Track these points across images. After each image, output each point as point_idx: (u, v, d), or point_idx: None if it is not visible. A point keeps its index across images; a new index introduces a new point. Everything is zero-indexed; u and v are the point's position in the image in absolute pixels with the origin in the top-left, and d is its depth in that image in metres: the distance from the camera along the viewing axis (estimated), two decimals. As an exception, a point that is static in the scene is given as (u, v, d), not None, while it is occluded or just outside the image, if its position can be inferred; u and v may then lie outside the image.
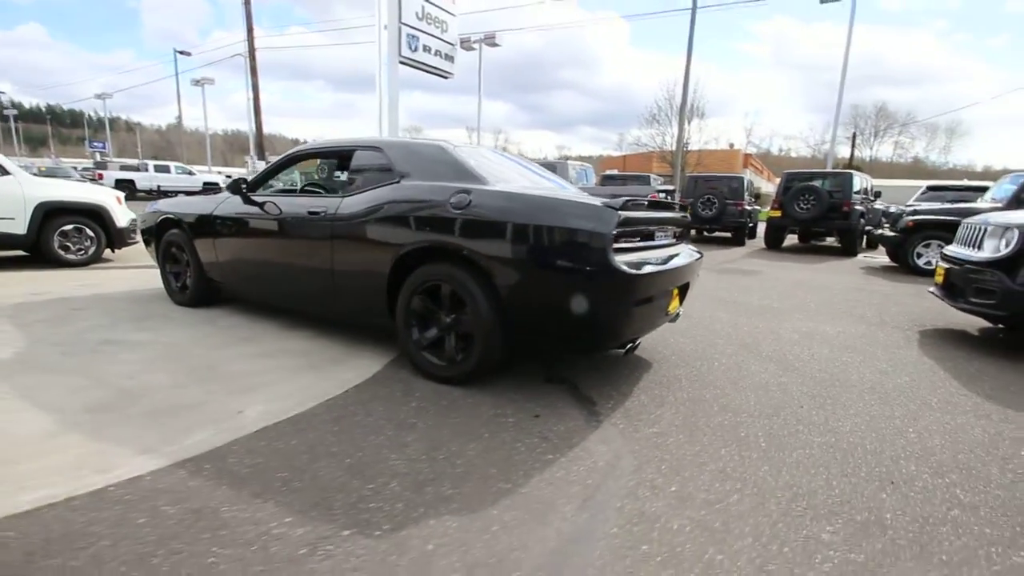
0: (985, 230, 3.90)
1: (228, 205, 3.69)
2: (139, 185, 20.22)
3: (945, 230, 7.82)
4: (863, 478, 2.01)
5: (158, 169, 19.42)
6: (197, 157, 42.31)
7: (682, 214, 3.24)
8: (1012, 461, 2.16)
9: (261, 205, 3.46)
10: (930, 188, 10.86)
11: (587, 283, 2.29)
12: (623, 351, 2.52)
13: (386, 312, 2.96)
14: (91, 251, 5.99)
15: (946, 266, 4.20)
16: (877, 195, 11.59)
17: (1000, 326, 4.37)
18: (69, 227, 5.83)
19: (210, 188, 19.87)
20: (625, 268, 2.26)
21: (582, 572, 1.43)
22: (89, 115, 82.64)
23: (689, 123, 29.98)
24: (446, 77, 18.11)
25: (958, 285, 3.99)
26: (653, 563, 1.48)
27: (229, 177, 27.62)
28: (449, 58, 17.77)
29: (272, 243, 3.45)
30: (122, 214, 6.23)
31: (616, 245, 2.31)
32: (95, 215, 5.98)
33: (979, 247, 3.93)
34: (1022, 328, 4.19)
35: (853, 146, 29.90)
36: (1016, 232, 3.60)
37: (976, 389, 3.01)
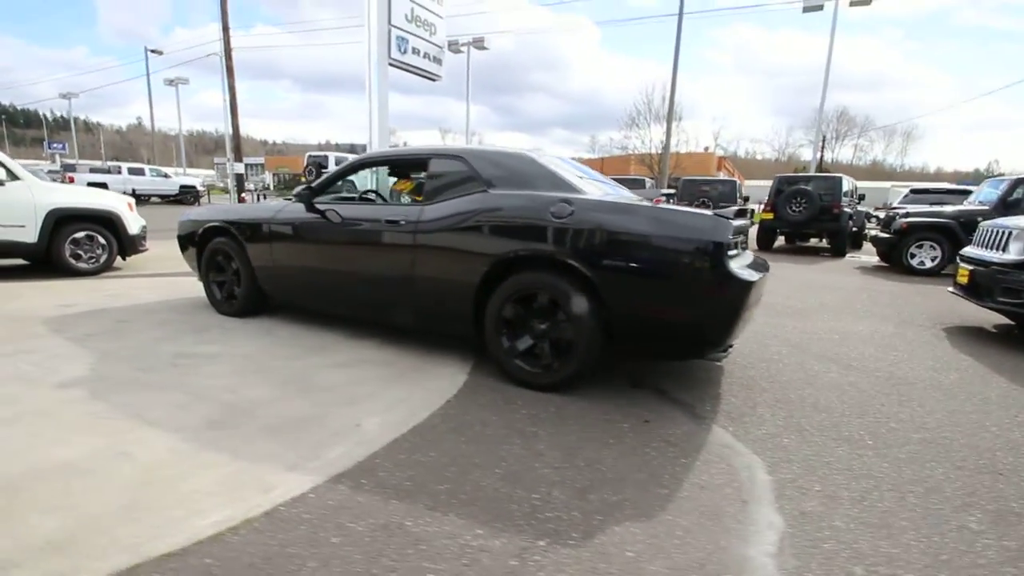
0: (1011, 233, 4.16)
1: (289, 213, 3.62)
2: (112, 188, 19.37)
3: (936, 232, 8.27)
4: (973, 470, 2.13)
5: (132, 172, 18.62)
6: (161, 158, 40.84)
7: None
8: (1099, 450, 2.33)
9: (326, 213, 3.41)
10: (913, 191, 11.43)
11: (706, 290, 2.36)
12: (724, 356, 2.60)
13: (471, 320, 2.96)
14: (103, 259, 5.76)
15: (970, 268, 4.45)
16: (861, 198, 12.11)
17: (1016, 323, 4.67)
18: (81, 235, 5.58)
19: (188, 191, 19.25)
20: (743, 275, 2.34)
21: (787, 573, 1.49)
22: (44, 115, 78.80)
23: (667, 127, 30.54)
24: (434, 79, 18.06)
25: (984, 285, 4.24)
26: (841, 559, 1.55)
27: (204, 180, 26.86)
28: (437, 60, 17.74)
29: (343, 252, 3.40)
30: (133, 221, 6.01)
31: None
32: (107, 222, 5.75)
33: (1004, 249, 4.19)
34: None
35: (822, 149, 31.18)
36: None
37: (1022, 383, 3.22)
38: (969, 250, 4.74)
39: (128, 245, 5.94)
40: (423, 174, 4.46)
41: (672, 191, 15.00)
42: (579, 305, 2.59)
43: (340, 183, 3.81)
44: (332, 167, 16.96)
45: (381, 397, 2.61)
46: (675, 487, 1.91)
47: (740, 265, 2.53)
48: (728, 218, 2.38)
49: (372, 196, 4.19)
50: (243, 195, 21.81)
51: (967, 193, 10.50)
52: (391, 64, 15.50)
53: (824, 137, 42.64)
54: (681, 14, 15.85)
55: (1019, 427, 2.57)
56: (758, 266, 2.81)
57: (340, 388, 2.70)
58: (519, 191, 2.84)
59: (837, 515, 1.78)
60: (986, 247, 4.47)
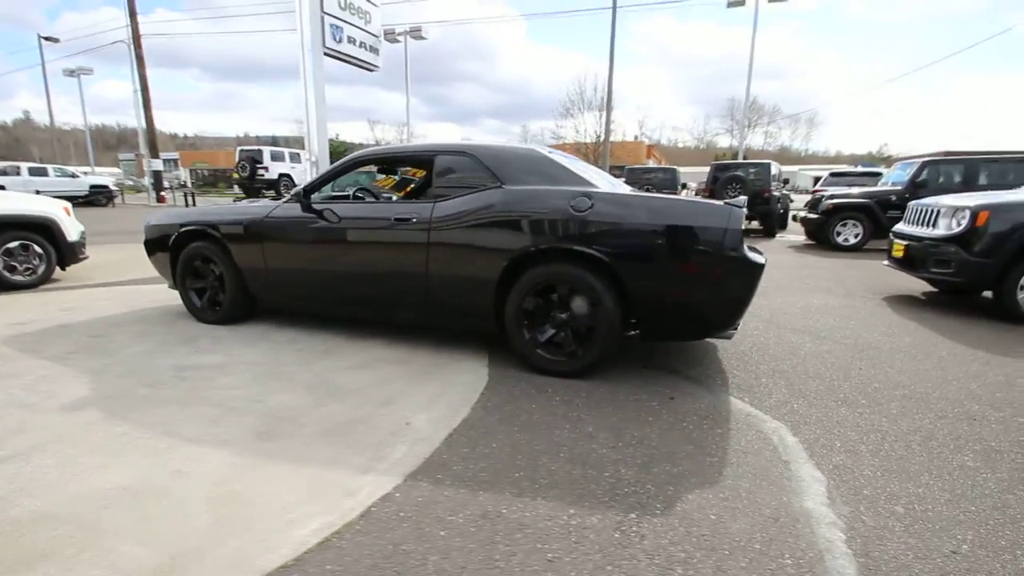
0: (938, 211, 4.74)
1: (283, 213, 3.48)
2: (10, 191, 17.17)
3: (858, 211, 9.17)
4: (952, 418, 2.48)
5: (32, 172, 16.61)
6: (55, 156, 36.79)
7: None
8: (1040, 393, 2.77)
9: (324, 213, 3.32)
10: (832, 174, 12.54)
11: (725, 274, 2.57)
12: (734, 333, 2.82)
13: (490, 314, 3.02)
14: (41, 271, 5.22)
15: (904, 243, 5.02)
16: (785, 182, 13.12)
17: (938, 290, 5.34)
18: (14, 244, 5.03)
19: (99, 192, 17.53)
20: (756, 258, 2.56)
21: (870, 524, 1.71)
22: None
23: (600, 117, 31.38)
24: (371, 70, 17.58)
25: (918, 258, 4.81)
26: (881, 502, 1.79)
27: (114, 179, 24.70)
28: (374, 50, 17.25)
29: (348, 252, 3.32)
30: (72, 227, 5.48)
31: None
32: (43, 229, 5.21)
33: (934, 225, 4.77)
34: (968, 292, 5.16)
35: (743, 137, 33.39)
36: (968, 212, 4.43)
37: (964, 341, 3.72)
38: (901, 227, 5.34)
39: (68, 254, 5.42)
40: (407, 170, 4.45)
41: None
42: (601, 294, 2.72)
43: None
44: (267, 161, 16.08)
45: (415, 395, 2.63)
46: (722, 455, 2.10)
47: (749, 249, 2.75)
48: (739, 206, 2.59)
49: (361, 195, 4.09)
50: (163, 194, 20.24)
51: (879, 175, 11.69)
52: (327, 53, 14.91)
53: (746, 124, 45.44)
54: (615, 7, 16.33)
55: (974, 379, 2.99)
56: (756, 250, 3.06)
57: (369, 389, 2.68)
58: (535, 186, 2.91)
59: (863, 466, 2.04)
60: (917, 224, 5.06)
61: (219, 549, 1.48)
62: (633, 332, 2.85)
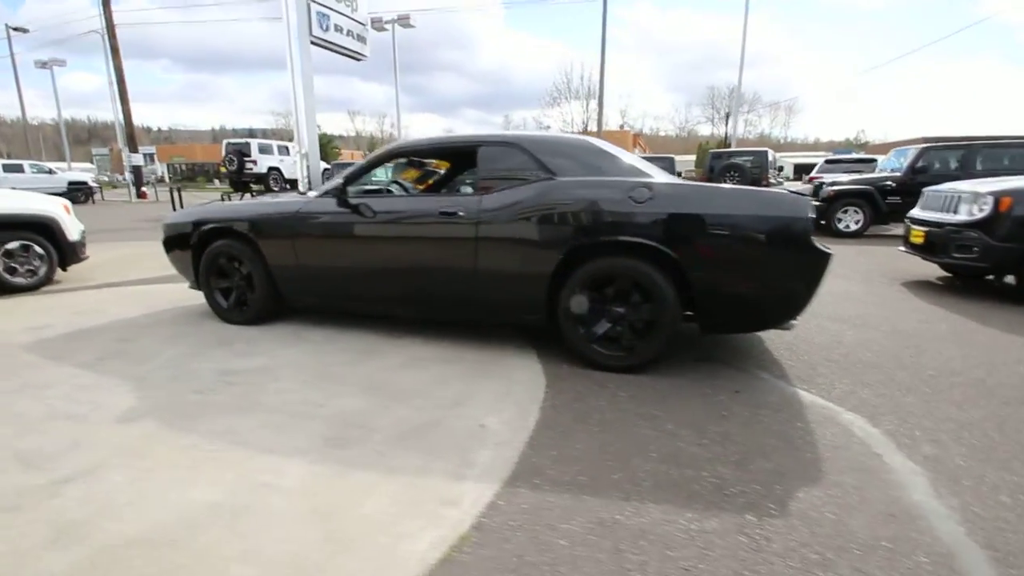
0: (959, 197, 4.77)
1: (317, 208, 3.35)
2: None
3: (860, 198, 9.27)
4: (1017, 404, 2.49)
5: (7, 168, 15.86)
6: (22, 152, 35.49)
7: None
8: (1094, 377, 2.80)
9: (360, 207, 3.19)
10: (827, 161, 12.67)
11: (796, 264, 2.53)
12: (795, 324, 2.79)
13: (541, 309, 2.95)
14: (42, 272, 4.98)
15: (923, 229, 5.06)
16: (780, 169, 13.24)
17: (952, 275, 5.42)
18: (14, 245, 4.79)
19: (78, 188, 16.90)
20: (825, 248, 2.53)
21: (981, 513, 1.68)
22: None
23: (586, 106, 31.29)
24: (359, 59, 17.01)
25: (939, 244, 4.85)
26: (983, 491, 1.77)
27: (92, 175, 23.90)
28: (361, 39, 16.76)
29: (389, 247, 3.21)
30: (72, 226, 5.24)
31: None
32: (44, 229, 4.97)
33: (955, 211, 4.81)
34: (983, 276, 5.23)
35: (727, 125, 33.79)
36: (990, 198, 4.46)
37: (996, 326, 3.76)
38: (917, 212, 5.38)
39: (69, 254, 5.18)
40: (431, 162, 4.32)
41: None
42: (663, 287, 2.66)
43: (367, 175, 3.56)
44: (255, 154, 15.65)
45: (478, 395, 2.54)
46: (813, 450, 2.06)
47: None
48: (805, 195, 2.55)
49: (391, 189, 3.96)
50: (143, 190, 19.65)
51: (873, 161, 11.84)
52: (313, 42, 14.45)
53: (727, 113, 45.78)
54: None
55: (1021, 363, 3.02)
56: None
57: (428, 390, 2.59)
58: (589, 178, 2.83)
59: (952, 455, 2.02)
60: (935, 210, 5.10)
61: (334, 567, 1.39)
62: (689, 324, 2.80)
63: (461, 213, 2.98)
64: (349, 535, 1.52)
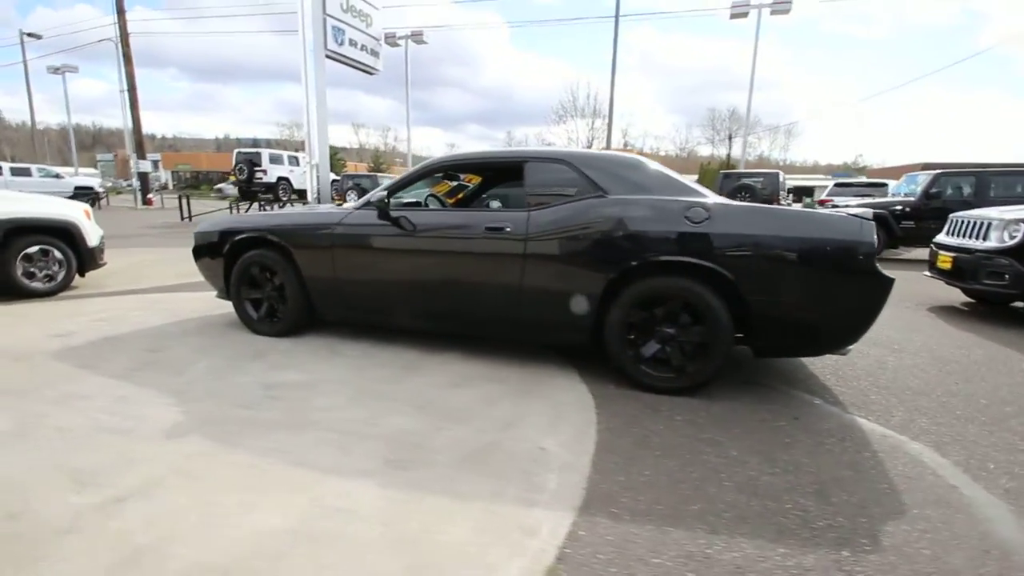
0: (989, 224, 4.77)
1: (358, 220, 3.30)
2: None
3: (874, 221, 9.28)
4: (1079, 437, 2.43)
5: (15, 172, 15.78)
6: (26, 156, 35.46)
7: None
8: None
9: (399, 220, 3.15)
10: (837, 184, 12.74)
11: (858, 290, 2.49)
12: (850, 350, 2.74)
13: (586, 329, 2.89)
14: (60, 277, 4.91)
15: (951, 255, 5.05)
16: (791, 191, 13.31)
17: (975, 301, 5.40)
18: (34, 249, 4.72)
19: (84, 193, 16.83)
20: (887, 274, 2.49)
21: (1061, 549, 1.62)
22: None
23: (592, 124, 31.62)
24: (372, 73, 17.28)
25: (968, 270, 4.83)
26: (1083, 532, 1.71)
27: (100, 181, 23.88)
28: (375, 53, 16.98)
29: (433, 263, 3.15)
30: (92, 231, 5.18)
31: None
32: (64, 234, 4.90)
33: (984, 238, 4.80)
34: (1008, 303, 5.21)
35: (729, 146, 34.30)
36: (1022, 225, 4.46)
37: (1039, 355, 3.72)
38: (944, 239, 5.38)
39: (88, 259, 5.11)
40: (464, 178, 4.29)
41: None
42: (717, 309, 2.61)
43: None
44: (266, 164, 15.65)
45: (530, 416, 2.48)
46: (887, 481, 2.00)
47: None
48: (867, 219, 2.52)
49: (429, 202, 3.92)
50: (150, 196, 19.63)
51: (884, 185, 11.91)
52: (328, 56, 14.61)
53: (730, 135, 46.31)
54: (617, 17, 16.43)
55: (1072, 393, 2.97)
56: None
57: (479, 410, 2.52)
58: (642, 196, 2.80)
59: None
60: (964, 236, 5.09)
61: (427, 603, 1.32)
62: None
63: (509, 229, 2.94)
64: (437, 566, 1.45)
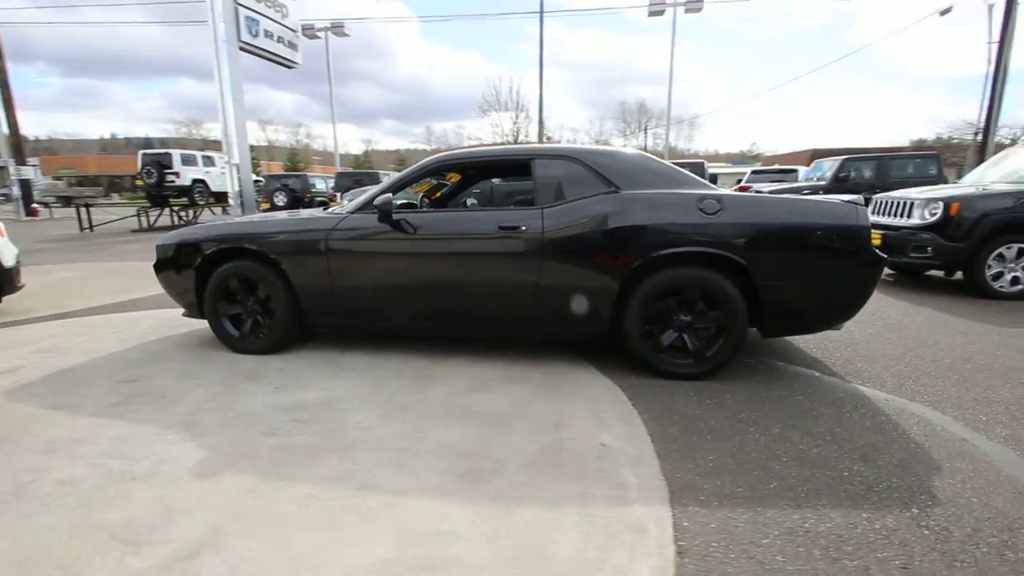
0: (912, 203, 5.37)
1: (356, 224, 3.11)
2: None
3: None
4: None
5: None
6: None
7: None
8: (1075, 356, 3.24)
9: (401, 223, 3.01)
10: (754, 172, 13.75)
11: (857, 269, 2.70)
12: (842, 325, 2.98)
13: (605, 321, 2.94)
14: (-30, 305, 4.21)
15: (880, 232, 5.64)
16: (714, 179, 14.20)
17: (895, 272, 6.09)
18: (-64, 274, 4.01)
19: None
20: (880, 253, 2.73)
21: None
22: None
23: (516, 117, 31.83)
24: (290, 67, 16.36)
25: (896, 245, 5.42)
26: (1079, 467, 1.99)
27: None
28: (292, 46, 16.09)
29: (444, 265, 3.04)
30: (7, 250, 4.50)
31: None
32: (-28, 254, 4.21)
33: (908, 216, 5.40)
34: (921, 272, 5.89)
35: (646, 138, 36.29)
36: (940, 204, 5.07)
37: (963, 315, 4.26)
38: (872, 217, 5.98)
39: (5, 283, 4.43)
40: (444, 177, 4.18)
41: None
42: (733, 296, 2.75)
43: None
44: (178, 166, 14.26)
45: (572, 414, 2.47)
46: (912, 440, 2.20)
47: None
48: (860, 204, 2.75)
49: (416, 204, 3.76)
50: (34, 206, 17.33)
51: (794, 172, 13.04)
52: (243, 48, 13.64)
53: (644, 127, 48.49)
54: (542, 14, 16.63)
55: (1010, 348, 3.42)
56: None
57: (519, 413, 2.48)
58: (655, 190, 2.87)
59: (1022, 434, 2.24)
60: (889, 215, 5.70)
61: (578, 617, 1.28)
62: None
63: (523, 227, 2.90)
64: (564, 578, 1.41)
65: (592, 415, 2.46)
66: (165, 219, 13.85)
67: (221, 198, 15.93)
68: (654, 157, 3.13)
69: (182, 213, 13.83)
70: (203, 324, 3.55)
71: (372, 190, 3.31)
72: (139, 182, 14.08)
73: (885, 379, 2.91)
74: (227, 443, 2.16)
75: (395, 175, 3.30)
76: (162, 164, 13.80)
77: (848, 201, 2.79)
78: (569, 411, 2.50)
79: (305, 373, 3.02)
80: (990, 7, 16.20)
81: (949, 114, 75.64)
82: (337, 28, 18.10)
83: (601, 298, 2.89)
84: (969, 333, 3.79)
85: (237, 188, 13.52)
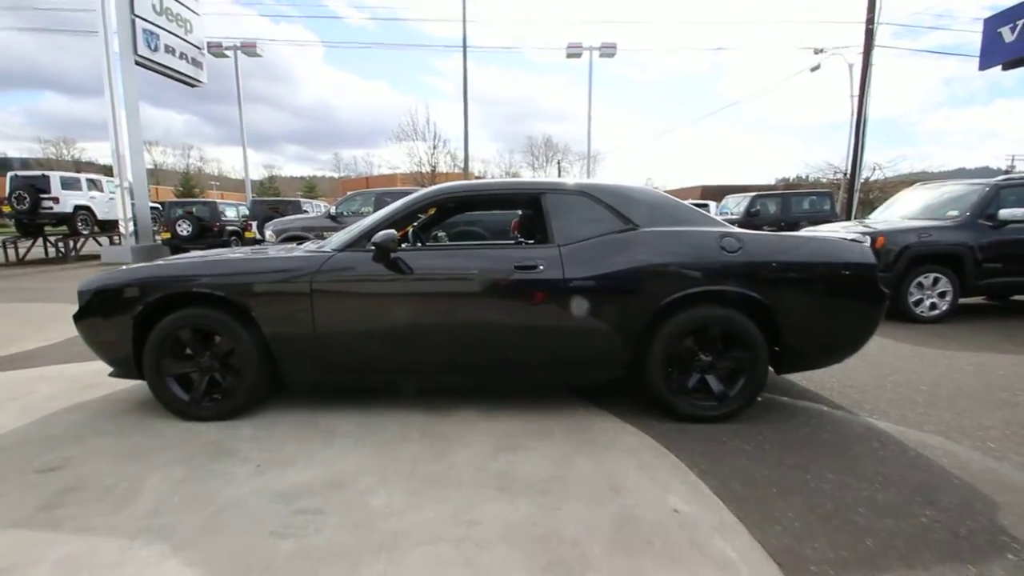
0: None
1: (344, 264, 2.70)
2: None
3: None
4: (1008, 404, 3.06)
5: None
6: None
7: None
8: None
9: (399, 263, 2.67)
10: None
11: (867, 305, 2.78)
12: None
13: (624, 363, 2.79)
14: None
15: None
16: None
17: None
18: None
19: None
20: (885, 290, 2.84)
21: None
22: None
23: (434, 148, 31.79)
24: (194, 85, 15.15)
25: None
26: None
27: None
28: (196, 63, 14.92)
29: (455, 309, 2.71)
30: None
31: None
32: None
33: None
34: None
35: (559, 172, 37.77)
36: (867, 238, 5.57)
37: (906, 340, 4.65)
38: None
39: None
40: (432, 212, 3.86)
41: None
42: (755, 335, 2.72)
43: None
44: (57, 190, 12.25)
45: (620, 473, 2.25)
46: (952, 475, 2.24)
47: None
48: (864, 242, 2.86)
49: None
50: None
51: (706, 205, 14.09)
52: (138, 62, 12.35)
53: (559, 161, 50.42)
54: (465, 48, 16.82)
55: (965, 372, 3.74)
56: None
57: (566, 478, 2.21)
58: (673, 228, 2.80)
59: (1038, 462, 2.38)
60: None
61: None
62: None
63: (541, 267, 2.68)
64: None
65: (642, 473, 2.25)
66: (38, 251, 11.85)
67: (108, 227, 13.98)
68: (664, 194, 3.08)
69: (60, 244, 11.89)
70: (126, 384, 2.90)
71: (361, 224, 2.93)
72: (6, 208, 11.89)
73: (885, 409, 3.01)
74: (226, 555, 1.67)
75: (389, 207, 2.93)
76: (37, 188, 11.80)
77: (853, 240, 2.90)
78: (616, 470, 2.28)
79: (288, 443, 2.52)
80: (851, 66, 18.90)
81: (808, 156, 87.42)
82: (248, 47, 16.88)
83: (623, 339, 2.73)
84: (921, 358, 4.11)
85: (130, 215, 11.95)
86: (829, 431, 2.70)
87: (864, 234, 5.51)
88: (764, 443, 2.56)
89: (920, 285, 5.52)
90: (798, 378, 3.55)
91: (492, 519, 1.88)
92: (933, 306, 5.53)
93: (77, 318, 2.82)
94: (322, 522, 1.85)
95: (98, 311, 2.78)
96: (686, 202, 3.22)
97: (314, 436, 2.60)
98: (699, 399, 2.80)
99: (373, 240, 2.61)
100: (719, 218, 3.05)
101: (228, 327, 2.72)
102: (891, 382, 3.51)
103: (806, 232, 4.14)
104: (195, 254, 3.30)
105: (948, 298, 5.55)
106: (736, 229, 2.88)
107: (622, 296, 2.71)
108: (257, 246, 4.85)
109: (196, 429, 2.67)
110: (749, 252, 2.72)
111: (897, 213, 6.77)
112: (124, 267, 2.91)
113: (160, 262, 2.97)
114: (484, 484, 2.14)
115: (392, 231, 2.63)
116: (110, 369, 2.88)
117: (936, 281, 5.53)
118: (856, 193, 15.81)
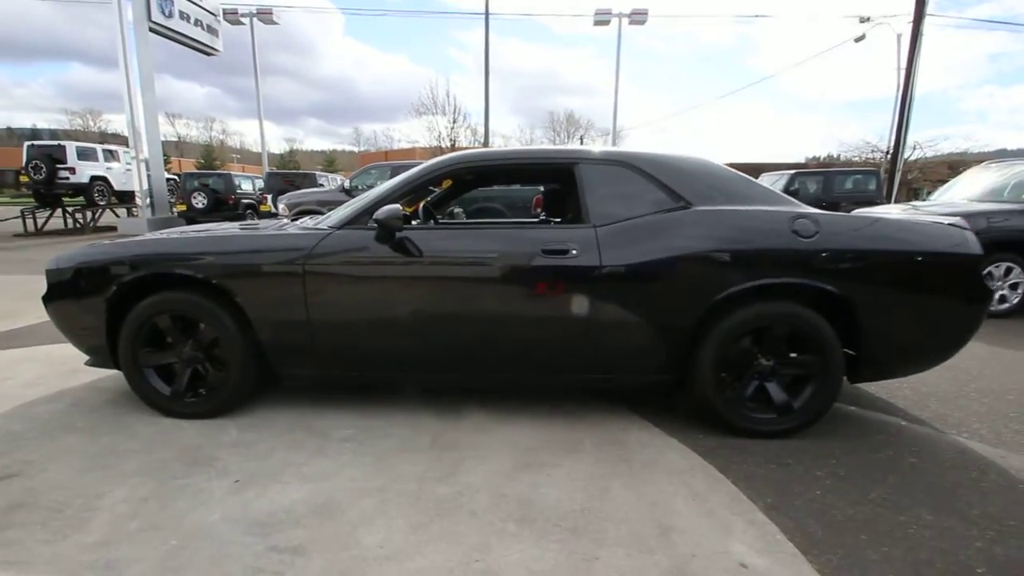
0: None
1: (343, 244, 2.32)
2: None
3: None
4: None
5: None
6: None
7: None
8: None
9: (416, 244, 2.28)
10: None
11: (968, 304, 2.30)
12: None
13: (670, 366, 2.37)
14: None
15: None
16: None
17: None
18: None
19: None
20: (990, 284, 2.35)
21: None
22: None
23: (454, 123, 31.20)
24: (210, 53, 14.72)
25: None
26: None
27: None
28: (212, 31, 14.46)
29: (472, 297, 2.32)
30: None
31: None
32: None
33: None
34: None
35: (581, 144, 36.80)
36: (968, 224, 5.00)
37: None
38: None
39: None
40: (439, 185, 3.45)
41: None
42: (830, 336, 2.27)
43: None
44: (73, 160, 12.13)
45: (668, 507, 1.85)
46: (1087, 522, 1.80)
47: None
48: (967, 228, 2.36)
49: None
50: None
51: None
52: (153, 30, 11.94)
53: (581, 138, 49.22)
54: (487, 15, 16.04)
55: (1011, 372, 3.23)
56: None
57: (603, 511, 1.82)
58: (736, 207, 2.33)
59: None
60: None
61: None
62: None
63: (574, 251, 2.26)
64: None
65: (695, 505, 1.85)
66: (57, 222, 11.77)
67: (126, 198, 13.86)
68: (723, 165, 2.60)
69: (78, 215, 11.81)
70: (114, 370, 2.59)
71: (364, 198, 2.52)
72: (24, 178, 11.82)
73: (973, 425, 2.55)
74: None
75: (395, 179, 2.52)
76: (53, 158, 11.66)
77: (952, 224, 2.40)
78: (662, 499, 1.88)
79: (276, 450, 2.18)
80: (899, 36, 17.64)
81: (839, 134, 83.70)
82: (264, 15, 16.33)
83: (670, 339, 2.31)
84: (999, 360, 3.60)
85: (146, 187, 11.76)
86: (915, 454, 2.26)
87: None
88: (839, 468, 2.13)
89: (990, 275, 4.93)
90: (865, 383, 3.09)
91: (512, 569, 1.51)
92: (1003, 299, 4.95)
93: (46, 300, 2.51)
94: (302, 567, 1.50)
95: (68, 292, 2.46)
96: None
97: (307, 442, 2.25)
98: (755, 410, 2.38)
99: (375, 217, 2.21)
100: (786, 196, 2.55)
101: (211, 313, 2.37)
102: (973, 390, 3.02)
103: (894, 211, 3.60)
104: (177, 229, 2.95)
105: (1020, 290, 4.97)
106: (811, 209, 2.40)
107: (670, 288, 2.27)
108: (247, 222, 4.49)
109: (176, 429, 2.35)
110: (828, 238, 2.25)
111: (960, 195, 6.11)
112: (100, 242, 2.57)
113: (140, 238, 2.63)
114: (502, 515, 1.76)
115: (396, 206, 2.22)
116: (93, 354, 2.58)
117: (1009, 271, 4.93)
118: (898, 173, 14.86)
